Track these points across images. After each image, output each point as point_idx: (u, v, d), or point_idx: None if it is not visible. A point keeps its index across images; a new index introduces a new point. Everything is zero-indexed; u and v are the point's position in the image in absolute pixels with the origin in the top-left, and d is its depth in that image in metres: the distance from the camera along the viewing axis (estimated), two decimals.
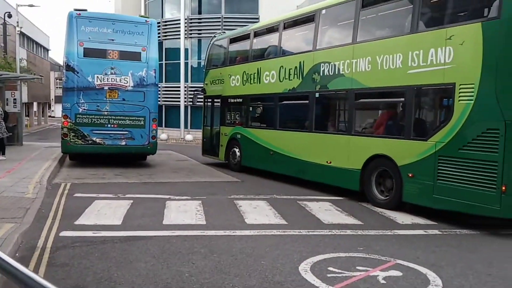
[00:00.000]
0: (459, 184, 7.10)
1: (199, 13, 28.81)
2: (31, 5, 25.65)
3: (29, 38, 38.07)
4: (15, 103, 20.88)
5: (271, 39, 12.25)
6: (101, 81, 13.09)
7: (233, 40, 14.04)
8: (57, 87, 74.03)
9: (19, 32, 24.49)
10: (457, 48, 7.16)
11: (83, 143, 13.02)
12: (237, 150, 13.46)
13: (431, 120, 8.27)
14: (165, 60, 29.42)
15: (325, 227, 6.98)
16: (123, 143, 13.32)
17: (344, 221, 7.45)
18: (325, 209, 8.33)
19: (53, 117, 69.18)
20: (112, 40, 13.28)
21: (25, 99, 32.99)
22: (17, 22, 24.38)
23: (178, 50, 28.22)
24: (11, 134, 17.46)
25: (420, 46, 7.78)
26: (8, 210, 7.09)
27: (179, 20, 28.06)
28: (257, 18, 25.16)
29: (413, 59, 7.88)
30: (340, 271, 4.98)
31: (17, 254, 5.19)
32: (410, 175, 7.91)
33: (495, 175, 6.62)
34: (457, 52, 7.17)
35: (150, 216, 7.30)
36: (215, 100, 14.79)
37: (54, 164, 12.86)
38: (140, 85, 13.44)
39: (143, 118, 13.39)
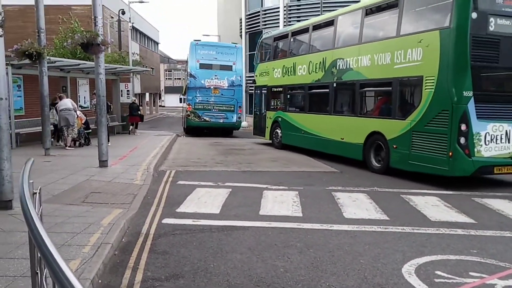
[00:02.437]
0: (424, 152, 9.46)
1: None
2: (141, 1, 27.40)
3: (141, 33, 40.85)
4: (128, 94, 22.59)
5: (304, 39, 15.00)
6: (209, 83, 21.26)
7: (276, 39, 17.07)
8: (166, 79, 78.78)
9: (131, 28, 26.31)
10: (425, 49, 9.46)
11: (198, 120, 21.48)
12: (278, 131, 16.50)
13: (408, 104, 10.41)
14: None
15: (432, 225, 6.41)
16: (221, 121, 21.63)
17: (454, 219, 6.78)
18: (432, 205, 7.70)
19: (163, 106, 73.81)
20: (215, 58, 21.47)
21: (138, 90, 35.64)
22: (129, 18, 26.21)
23: None
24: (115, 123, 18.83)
25: (402, 47, 10.13)
26: (119, 196, 7.62)
27: (279, 8, 27.97)
28: (358, 1, 24.01)
29: (398, 57, 10.26)
30: (450, 276, 4.49)
31: (123, 239, 5.51)
32: (394, 146, 10.32)
33: (446, 144, 8.92)
34: (424, 52, 9.47)
35: (247, 206, 7.34)
36: (263, 89, 17.84)
37: (162, 152, 13.66)
38: (231, 86, 21.54)
39: (233, 106, 21.62)
